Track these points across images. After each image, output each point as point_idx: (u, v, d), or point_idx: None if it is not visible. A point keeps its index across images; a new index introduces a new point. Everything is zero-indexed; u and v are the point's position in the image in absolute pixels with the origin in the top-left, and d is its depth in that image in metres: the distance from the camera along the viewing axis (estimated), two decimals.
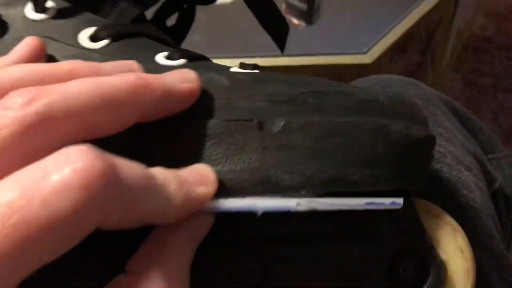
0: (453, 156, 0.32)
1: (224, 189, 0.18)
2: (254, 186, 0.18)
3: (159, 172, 0.16)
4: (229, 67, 0.24)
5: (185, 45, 0.30)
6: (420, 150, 0.21)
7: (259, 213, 0.17)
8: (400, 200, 0.19)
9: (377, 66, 0.73)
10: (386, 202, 0.19)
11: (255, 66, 0.24)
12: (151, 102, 0.17)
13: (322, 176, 0.19)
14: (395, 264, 0.21)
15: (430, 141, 0.21)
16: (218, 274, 0.19)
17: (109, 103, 0.16)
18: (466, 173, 0.32)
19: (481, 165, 0.34)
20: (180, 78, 0.19)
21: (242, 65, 0.24)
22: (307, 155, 0.19)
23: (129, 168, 0.15)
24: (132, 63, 0.19)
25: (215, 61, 0.26)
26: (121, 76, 0.17)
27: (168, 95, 0.18)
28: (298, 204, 0.18)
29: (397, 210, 0.19)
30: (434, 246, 0.21)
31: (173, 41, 0.28)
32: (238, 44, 0.77)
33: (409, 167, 0.20)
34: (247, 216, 0.18)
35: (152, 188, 0.15)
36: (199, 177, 0.17)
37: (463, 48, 1.29)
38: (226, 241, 0.19)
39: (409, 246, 0.21)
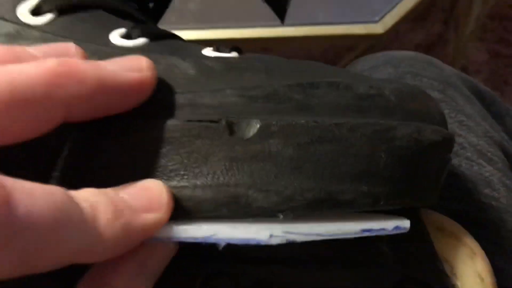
0: (474, 148, 0.30)
1: (179, 212, 0.16)
2: (218, 208, 0.16)
3: (86, 198, 0.14)
4: (201, 48, 0.21)
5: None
6: (434, 157, 0.19)
7: (221, 247, 0.15)
8: (405, 223, 0.17)
9: (392, 37, 0.69)
10: (388, 227, 0.17)
11: (234, 49, 0.21)
12: (80, 95, 0.15)
13: (307, 195, 0.16)
14: None
15: (447, 144, 0.19)
16: None
17: (21, 100, 0.14)
18: (489, 167, 0.30)
19: (508, 157, 0.32)
20: (127, 65, 0.16)
21: (217, 47, 0.21)
22: (289, 167, 0.16)
23: (34, 197, 0.12)
24: (69, 46, 0.17)
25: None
26: (40, 63, 0.14)
27: (107, 87, 0.15)
28: (270, 236, 0.15)
29: None
30: (446, 273, 0.19)
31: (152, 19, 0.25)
32: (235, 12, 0.73)
33: (420, 179, 0.18)
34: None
35: (71, 222, 0.13)
36: (146, 201, 0.15)
37: (488, 16, 1.24)
38: (195, 260, 0.18)
39: (415, 274, 0.19)
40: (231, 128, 0.17)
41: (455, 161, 0.29)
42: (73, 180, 0.16)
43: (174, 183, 0.16)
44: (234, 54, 0.21)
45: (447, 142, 0.19)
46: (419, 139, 0.18)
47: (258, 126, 0.17)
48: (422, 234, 0.20)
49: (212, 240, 0.15)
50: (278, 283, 0.18)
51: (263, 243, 0.15)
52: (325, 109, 0.17)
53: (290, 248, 0.17)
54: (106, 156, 0.16)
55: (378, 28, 0.70)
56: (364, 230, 0.17)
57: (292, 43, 0.69)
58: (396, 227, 0.17)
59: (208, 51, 0.21)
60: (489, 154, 0.30)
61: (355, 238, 0.17)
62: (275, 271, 0.18)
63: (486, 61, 1.21)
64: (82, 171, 0.16)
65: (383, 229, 0.17)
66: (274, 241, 0.15)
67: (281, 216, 0.16)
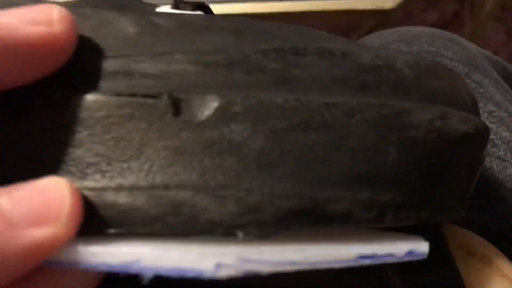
0: (507, 146, 0.27)
1: (94, 225, 0.13)
2: (150, 221, 0.13)
3: None
4: (156, 6, 0.19)
5: None
6: (463, 154, 0.16)
7: (146, 280, 0.12)
8: (423, 247, 0.14)
9: (403, 17, 0.67)
10: (398, 252, 0.14)
11: (200, 7, 0.19)
12: None
13: (280, 204, 0.13)
14: None
15: (480, 138, 0.17)
16: None
17: None
18: None
19: None
20: (30, 17, 0.14)
21: (177, 4, 0.19)
22: (256, 164, 0.14)
23: None
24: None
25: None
26: None
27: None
28: (217, 266, 0.12)
29: None
30: None
31: None
32: None
33: (443, 184, 0.15)
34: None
35: None
36: (37, 210, 0.13)
37: None
38: None
39: None
40: (176, 107, 0.13)
41: (485, 161, 0.26)
42: None
43: (90, 183, 0.13)
44: (198, 13, 0.18)
45: (481, 135, 0.16)
46: (443, 128, 0.15)
47: (215, 104, 0.13)
48: (446, 260, 0.17)
49: (133, 270, 0.12)
50: None
51: (206, 276, 0.12)
52: (313, 83, 0.14)
53: (274, 277, 0.14)
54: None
55: (387, 2, 0.67)
56: (362, 257, 0.14)
57: (295, 19, 0.67)
58: (410, 253, 0.14)
59: (164, 9, 0.18)
60: None
61: (353, 267, 0.14)
62: None
63: (504, 42, 1.20)
64: None
65: (391, 255, 0.14)
66: (223, 273, 0.12)
67: (240, 235, 0.13)
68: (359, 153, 0.14)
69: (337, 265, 0.13)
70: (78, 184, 0.14)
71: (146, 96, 0.14)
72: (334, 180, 0.14)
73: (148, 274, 0.13)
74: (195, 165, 0.13)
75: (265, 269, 0.13)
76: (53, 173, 0.14)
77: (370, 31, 0.73)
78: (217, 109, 0.14)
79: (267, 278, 0.15)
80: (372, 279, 0.17)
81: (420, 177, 0.15)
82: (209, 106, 0.14)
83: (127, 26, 0.15)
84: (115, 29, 0.15)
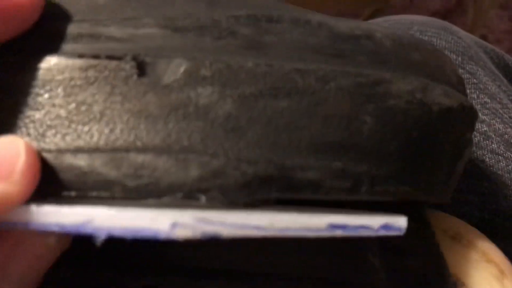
0: (500, 138, 0.27)
1: (52, 187, 0.13)
2: (109, 184, 0.13)
3: None
4: None
5: None
6: (448, 131, 0.15)
7: (99, 241, 0.12)
8: (400, 222, 0.14)
9: (406, 5, 0.66)
10: (372, 224, 0.14)
11: None
12: None
13: (246, 168, 0.13)
14: None
15: (467, 117, 0.16)
16: None
17: None
18: None
19: None
20: None
21: None
22: (223, 128, 0.13)
23: None
24: None
25: None
26: None
27: None
28: (173, 225, 0.12)
29: (397, 237, 0.14)
30: None
31: None
32: None
33: (426, 161, 0.15)
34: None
35: None
36: None
37: None
38: (128, 272, 0.16)
39: None
40: (141, 69, 0.13)
41: (477, 154, 0.26)
42: None
43: (49, 145, 0.13)
44: None
45: (467, 114, 0.16)
46: (424, 100, 0.14)
47: (182, 68, 0.13)
48: (429, 245, 0.17)
49: (86, 230, 0.12)
50: None
51: (162, 237, 0.12)
52: (286, 50, 0.14)
53: (249, 259, 0.15)
54: None
55: None
56: (333, 226, 0.13)
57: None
58: (386, 226, 0.14)
59: None
60: None
61: (335, 249, 0.14)
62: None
63: (508, 30, 1.19)
64: None
65: (365, 227, 0.13)
66: (181, 234, 0.12)
67: (203, 200, 0.13)
68: (332, 121, 0.14)
69: (307, 234, 0.13)
70: (37, 146, 0.13)
71: (110, 57, 0.13)
72: (304, 147, 0.14)
73: (101, 235, 0.12)
74: (158, 129, 0.13)
75: (225, 232, 0.12)
76: (10, 134, 0.13)
77: (369, 18, 0.73)
78: (184, 72, 0.13)
79: (241, 260, 0.15)
80: (350, 261, 0.16)
81: (399, 150, 0.14)
82: (176, 69, 0.13)
83: None
84: None
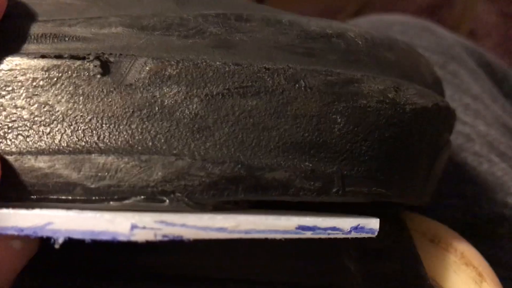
0: (483, 140, 0.27)
1: (11, 191, 0.13)
2: (70, 186, 0.13)
3: None
4: None
5: None
6: (423, 130, 0.16)
7: (57, 243, 0.12)
8: (372, 224, 0.14)
9: None
10: (342, 226, 0.14)
11: None
12: None
13: (212, 169, 0.13)
14: None
15: (444, 118, 0.16)
16: None
17: None
18: (503, 164, 0.27)
19: None
20: None
21: None
22: (189, 128, 0.13)
23: None
24: None
25: None
26: None
27: None
28: (133, 227, 0.12)
29: (372, 239, 0.14)
30: None
31: None
32: None
33: (400, 162, 0.15)
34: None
35: None
36: None
37: None
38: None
39: None
40: (105, 68, 0.13)
41: (459, 157, 0.26)
42: None
43: (10, 147, 0.13)
44: None
45: (443, 114, 0.16)
46: (397, 100, 0.15)
47: (147, 67, 0.13)
48: (406, 249, 0.17)
49: (45, 233, 0.12)
50: None
51: (121, 239, 0.12)
52: (256, 49, 0.14)
53: (221, 265, 0.15)
54: None
55: None
56: (302, 227, 0.13)
57: (280, 3, 0.65)
58: (357, 228, 0.14)
59: None
60: (502, 147, 0.28)
61: (310, 253, 0.14)
62: None
63: (496, 24, 1.19)
64: None
65: (336, 229, 0.13)
66: (141, 236, 0.12)
67: (166, 202, 0.13)
68: (302, 120, 0.14)
69: (275, 236, 0.13)
70: None
71: (73, 57, 0.13)
72: (273, 147, 0.14)
73: (60, 238, 0.12)
74: (121, 129, 0.13)
75: (187, 234, 0.12)
76: None
77: (355, 13, 0.73)
78: (149, 71, 0.13)
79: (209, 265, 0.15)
80: (325, 265, 0.16)
81: (371, 150, 0.15)
82: (141, 69, 0.14)
83: None
84: None
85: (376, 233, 0.14)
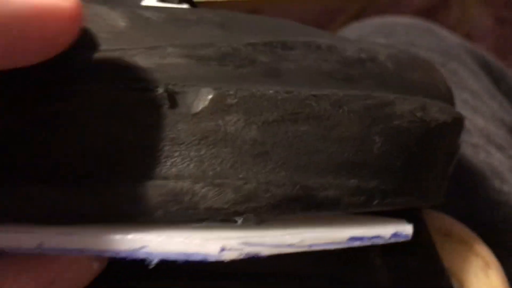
0: (481, 133, 0.29)
1: (97, 216, 0.14)
2: (150, 210, 0.14)
3: None
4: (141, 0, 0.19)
5: None
6: (442, 142, 0.17)
7: (152, 264, 0.13)
8: (407, 229, 0.15)
9: (390, 1, 0.67)
10: (384, 234, 0.15)
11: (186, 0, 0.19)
12: None
13: (275, 191, 0.14)
14: None
15: (457, 127, 0.17)
16: None
17: None
18: (498, 155, 0.28)
19: None
20: None
21: None
22: (251, 154, 0.14)
23: None
24: None
25: None
26: None
27: (9, 13, 0.12)
28: (222, 249, 0.13)
29: None
30: None
31: None
32: None
33: (425, 172, 0.16)
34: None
35: None
36: None
37: None
38: (134, 275, 0.16)
39: None
40: (172, 99, 0.14)
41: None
42: None
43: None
44: (184, 6, 0.18)
45: (457, 124, 0.17)
46: (424, 118, 0.16)
47: (210, 96, 0.14)
48: (427, 244, 0.18)
49: (140, 255, 0.13)
50: None
51: (211, 260, 0.13)
52: (301, 76, 0.15)
53: (252, 261, 0.15)
54: None
55: None
56: (353, 239, 0.14)
57: (282, 1, 0.66)
58: (395, 235, 0.15)
59: (150, 1, 0.19)
60: (498, 139, 0.29)
61: (340, 249, 0.15)
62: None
63: (492, 27, 1.20)
64: None
65: (378, 237, 0.15)
66: (228, 256, 0.13)
67: (239, 221, 0.14)
68: (347, 142, 0.15)
69: (330, 247, 0.14)
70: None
71: (142, 89, 0.14)
72: (324, 168, 0.15)
73: (155, 260, 0.13)
74: (192, 156, 0.14)
75: (265, 251, 0.14)
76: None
77: (356, 14, 0.73)
78: (212, 101, 0.14)
79: (258, 263, 0.15)
80: (357, 261, 0.17)
81: (404, 165, 0.16)
82: (204, 99, 0.14)
83: (117, 20, 0.15)
84: (106, 23, 0.15)
85: (409, 238, 0.15)
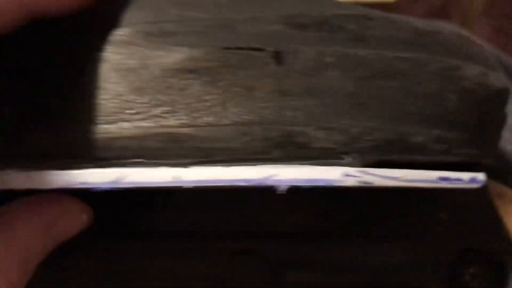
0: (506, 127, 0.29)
1: (214, 152, 0.15)
2: (269, 149, 0.15)
3: None
4: None
5: None
6: (496, 106, 0.18)
7: (281, 189, 0.14)
8: (481, 176, 0.16)
9: (389, 8, 0.67)
10: (464, 177, 0.16)
11: None
12: None
13: (376, 135, 0.15)
14: (459, 270, 0.18)
15: (506, 97, 0.18)
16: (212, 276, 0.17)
17: None
18: None
19: None
20: None
21: None
22: (350, 104, 0.15)
23: None
24: None
25: None
26: None
27: None
28: (345, 175, 0.14)
29: (462, 194, 0.17)
30: None
31: None
32: None
33: (485, 129, 0.17)
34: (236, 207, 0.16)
35: None
36: None
37: None
38: (217, 237, 0.17)
39: (479, 246, 0.18)
40: (278, 58, 0.15)
41: None
42: None
43: (211, 118, 0.15)
44: None
45: (506, 94, 0.18)
46: (486, 83, 0.17)
47: (310, 56, 0.15)
48: (486, 201, 0.19)
49: (270, 182, 0.14)
50: (306, 262, 0.18)
51: (335, 184, 0.14)
52: (384, 41, 0.16)
53: (317, 221, 0.17)
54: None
55: None
56: (441, 178, 0.16)
57: None
58: (473, 179, 0.16)
59: None
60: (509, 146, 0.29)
61: (405, 201, 0.16)
62: (302, 248, 0.18)
63: (491, 38, 1.17)
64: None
65: (460, 180, 0.16)
66: (349, 182, 0.14)
67: (350, 159, 0.15)
68: (429, 97, 0.16)
69: (423, 185, 0.16)
70: (199, 121, 0.15)
71: (251, 49, 0.15)
72: (412, 118, 0.16)
73: (284, 186, 0.15)
74: (300, 105, 0.15)
75: (377, 181, 0.15)
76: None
77: None
78: (312, 60, 0.15)
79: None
80: (425, 215, 0.18)
81: (472, 121, 0.17)
82: (305, 57, 0.15)
83: None
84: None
85: (483, 184, 0.16)
